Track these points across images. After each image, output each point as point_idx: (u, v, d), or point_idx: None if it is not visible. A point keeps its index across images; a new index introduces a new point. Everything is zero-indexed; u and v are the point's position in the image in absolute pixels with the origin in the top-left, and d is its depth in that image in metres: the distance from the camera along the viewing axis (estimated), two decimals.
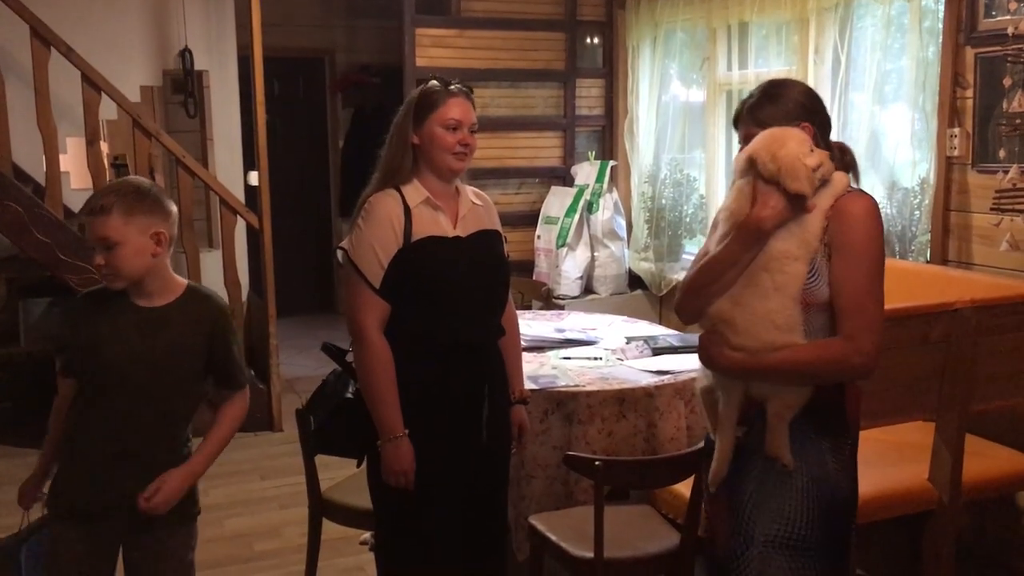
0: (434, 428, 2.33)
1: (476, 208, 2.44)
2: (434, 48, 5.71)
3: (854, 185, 2.02)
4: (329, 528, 3.05)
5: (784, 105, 2.03)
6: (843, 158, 2.03)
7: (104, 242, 2.12)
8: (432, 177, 2.35)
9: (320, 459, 3.05)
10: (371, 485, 2.44)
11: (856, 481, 2.05)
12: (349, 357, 2.45)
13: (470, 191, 2.47)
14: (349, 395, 2.45)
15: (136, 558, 2.27)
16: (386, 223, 2.28)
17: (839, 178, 1.95)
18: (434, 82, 2.35)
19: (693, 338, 3.22)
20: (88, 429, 2.21)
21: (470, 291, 2.34)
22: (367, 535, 3.54)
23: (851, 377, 1.94)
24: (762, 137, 1.97)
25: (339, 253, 2.36)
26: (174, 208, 2.23)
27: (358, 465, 2.48)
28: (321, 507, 3.03)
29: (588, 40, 6.14)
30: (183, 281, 2.28)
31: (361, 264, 2.28)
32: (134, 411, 2.18)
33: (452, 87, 2.34)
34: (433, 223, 2.32)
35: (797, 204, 1.90)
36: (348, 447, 2.47)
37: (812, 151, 1.93)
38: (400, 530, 2.39)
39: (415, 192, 2.32)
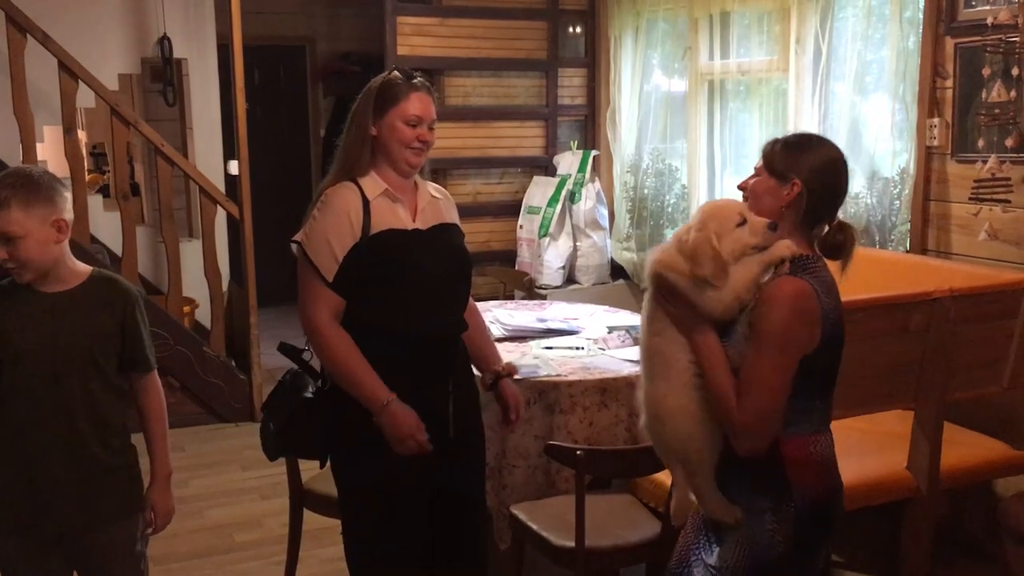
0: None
1: (435, 201, 2.41)
2: (415, 36, 5.68)
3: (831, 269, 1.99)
4: (310, 518, 3.05)
5: (793, 159, 1.96)
6: (833, 238, 1.99)
7: (5, 236, 2.09)
8: (389, 170, 2.32)
9: None
10: (338, 487, 2.39)
11: (802, 547, 1.95)
12: (306, 356, 2.41)
13: (429, 185, 2.45)
14: (308, 395, 2.39)
15: (82, 558, 2.26)
16: (343, 215, 2.24)
17: (783, 254, 1.92)
18: (396, 73, 2.31)
19: None
20: (7, 427, 2.16)
21: (430, 285, 2.30)
22: None
23: (731, 435, 1.93)
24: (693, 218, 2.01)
25: (293, 245, 2.32)
26: (69, 192, 2.21)
27: (321, 466, 2.43)
28: (302, 497, 3.02)
29: (570, 29, 6.13)
30: (86, 267, 2.26)
31: (315, 257, 2.25)
32: (51, 398, 2.15)
33: (415, 80, 2.30)
34: (392, 215, 2.29)
35: (702, 286, 1.90)
36: (310, 449, 2.41)
37: (743, 224, 1.91)
38: (369, 533, 2.34)
39: (373, 184, 2.29)
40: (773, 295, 1.88)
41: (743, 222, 1.92)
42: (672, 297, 1.94)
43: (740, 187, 2.04)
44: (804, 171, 1.95)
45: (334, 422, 2.32)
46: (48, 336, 2.15)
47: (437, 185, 2.51)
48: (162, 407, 2.35)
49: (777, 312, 1.86)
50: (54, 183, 2.17)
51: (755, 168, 2.03)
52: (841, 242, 2.00)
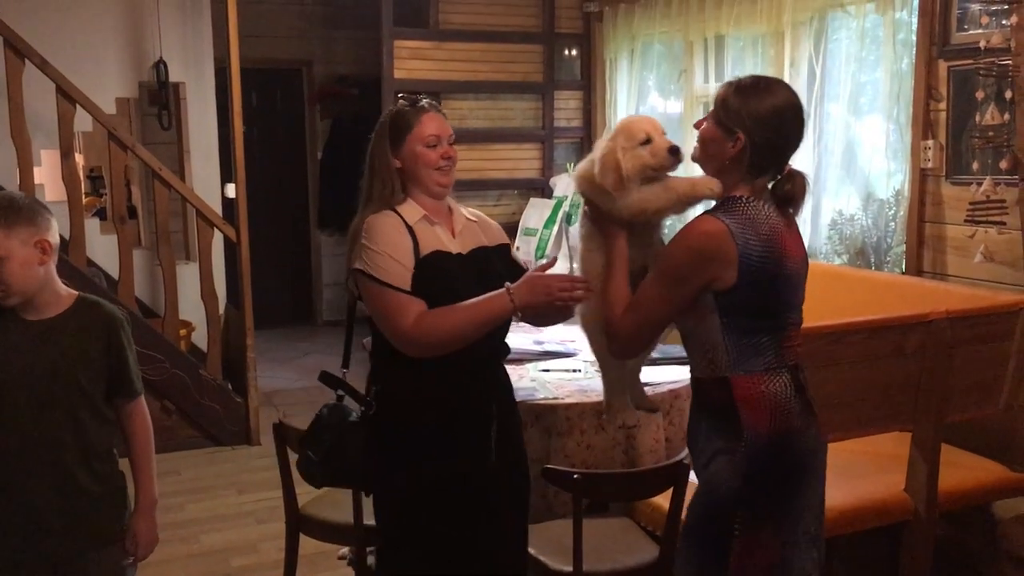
0: (442, 448, 2.26)
1: (471, 224, 2.39)
2: (412, 60, 5.71)
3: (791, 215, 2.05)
4: (307, 543, 3.03)
5: (739, 109, 1.99)
6: (781, 188, 2.01)
7: None
8: (423, 196, 2.30)
9: (297, 472, 3.03)
10: (379, 514, 2.35)
11: (754, 484, 2.00)
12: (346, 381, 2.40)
13: (464, 208, 2.43)
14: (353, 419, 2.35)
15: None
16: (395, 234, 2.21)
17: (702, 195, 2.03)
18: (402, 102, 2.32)
19: (671, 349, 3.23)
20: None
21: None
22: (345, 550, 3.51)
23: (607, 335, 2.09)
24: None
25: (352, 279, 2.25)
26: (52, 216, 2.20)
27: (366, 494, 2.39)
28: (298, 522, 3.01)
29: (566, 52, 6.16)
30: (72, 292, 2.25)
31: (386, 276, 2.18)
32: (36, 427, 2.13)
33: (422, 103, 2.31)
34: (435, 239, 2.26)
35: (607, 197, 2.06)
36: (356, 477, 2.38)
37: (647, 143, 2.03)
38: (411, 558, 2.31)
39: (411, 210, 2.27)
40: (682, 231, 1.98)
41: (647, 141, 2.04)
42: (589, 205, 2.11)
43: (695, 126, 2.09)
44: (749, 123, 1.97)
45: (380, 448, 2.29)
46: (32, 366, 2.13)
47: (473, 209, 2.49)
48: (148, 434, 2.32)
49: (675, 247, 1.98)
50: (35, 205, 2.17)
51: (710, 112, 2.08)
52: (790, 191, 2.01)
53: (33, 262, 2.13)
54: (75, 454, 2.18)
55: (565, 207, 5.68)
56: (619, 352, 2.13)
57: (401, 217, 2.24)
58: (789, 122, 2.00)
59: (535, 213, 5.82)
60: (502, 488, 2.36)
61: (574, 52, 6.16)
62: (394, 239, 2.20)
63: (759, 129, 1.97)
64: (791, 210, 2.03)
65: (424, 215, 2.27)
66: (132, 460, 2.30)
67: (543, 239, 5.64)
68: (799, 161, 4.62)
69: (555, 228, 5.63)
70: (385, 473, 2.31)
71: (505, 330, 2.39)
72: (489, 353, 2.35)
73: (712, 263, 1.94)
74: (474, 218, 2.43)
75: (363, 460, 2.32)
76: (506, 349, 2.42)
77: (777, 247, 1.96)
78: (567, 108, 6.16)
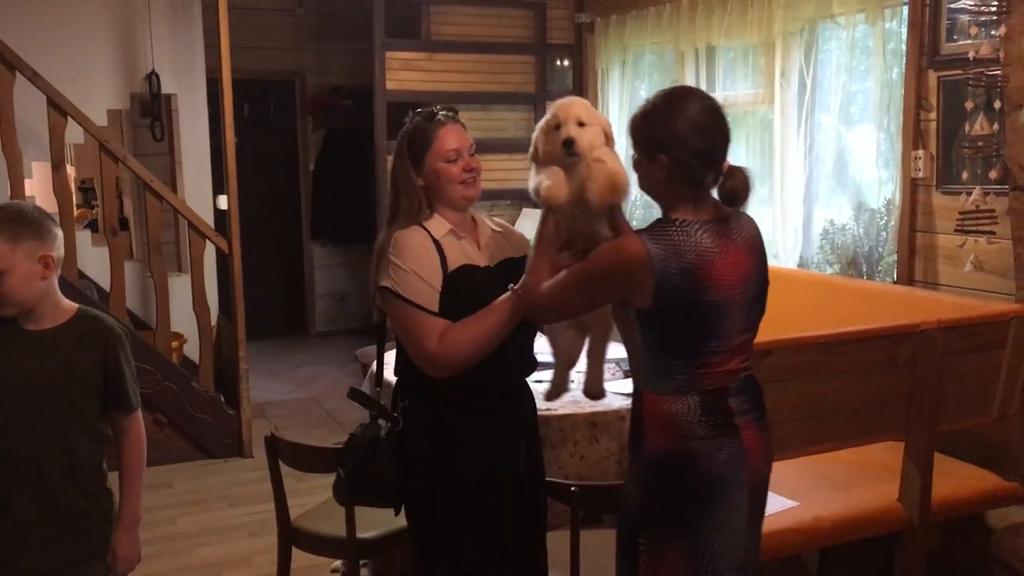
0: (471, 462, 2.24)
1: (496, 235, 2.36)
2: (404, 71, 5.72)
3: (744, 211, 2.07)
4: (299, 556, 3.01)
5: (651, 135, 2.00)
6: (723, 188, 1.99)
7: None
8: (447, 210, 2.27)
9: (290, 485, 3.03)
10: (411, 529, 2.33)
11: (652, 500, 2.02)
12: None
13: (489, 220, 2.40)
14: (382, 435, 2.32)
15: None
16: (423, 251, 2.18)
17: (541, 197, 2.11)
18: (418, 118, 2.27)
19: None
20: None
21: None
22: (337, 563, 3.50)
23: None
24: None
25: (379, 295, 2.21)
26: (59, 229, 2.20)
27: (396, 513, 2.36)
28: (291, 535, 2.99)
29: (558, 63, 6.17)
30: (73, 304, 2.24)
31: (413, 295, 2.15)
32: (24, 439, 2.13)
33: (439, 116, 2.26)
34: (463, 253, 2.24)
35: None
36: (383, 495, 2.34)
37: (557, 128, 2.10)
38: (442, 572, 2.29)
39: (438, 225, 2.23)
40: (612, 242, 2.02)
41: (557, 126, 2.10)
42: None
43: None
44: (667, 143, 1.96)
45: (409, 464, 2.26)
46: (25, 377, 2.12)
47: (496, 218, 2.46)
48: (140, 450, 2.30)
49: (601, 253, 2.00)
50: (44, 219, 2.16)
51: None
52: (731, 188, 1.99)
53: (35, 276, 2.12)
54: (61, 468, 2.16)
55: None
56: (532, 317, 2.16)
57: (428, 232, 2.21)
58: (708, 128, 1.97)
59: (528, 224, 5.82)
60: (529, 501, 2.36)
61: (566, 63, 6.18)
62: (422, 257, 2.17)
63: (679, 146, 1.95)
64: (737, 206, 2.01)
65: (450, 229, 2.24)
66: (121, 474, 2.29)
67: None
68: (790, 172, 4.65)
69: None
70: (415, 488, 2.28)
71: (529, 343, 2.36)
72: (516, 367, 2.33)
73: (624, 283, 1.96)
74: (499, 228, 2.40)
75: (391, 476, 2.29)
76: (533, 363, 2.39)
77: (700, 276, 1.93)
78: None
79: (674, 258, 1.91)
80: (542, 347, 2.39)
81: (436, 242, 2.20)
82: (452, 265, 2.19)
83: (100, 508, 2.25)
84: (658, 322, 1.97)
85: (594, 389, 2.35)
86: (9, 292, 2.10)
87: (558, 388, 2.40)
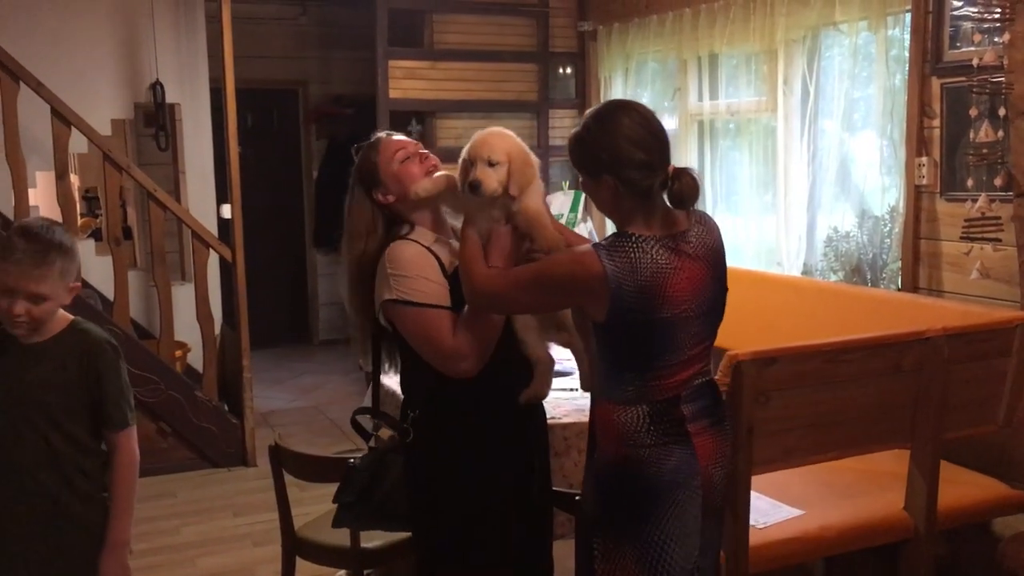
0: (483, 470, 2.22)
1: None
2: (407, 80, 5.73)
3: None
4: (303, 566, 3.01)
5: (587, 159, 2.03)
6: (671, 191, 1.99)
7: (35, 296, 2.06)
8: (425, 215, 2.26)
9: (293, 494, 3.02)
10: (419, 538, 2.31)
11: (602, 505, 2.05)
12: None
13: (456, 222, 2.38)
14: (386, 457, 2.30)
15: None
16: (422, 257, 2.17)
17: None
18: (354, 151, 2.30)
19: None
20: None
21: (507, 331, 2.23)
22: (341, 573, 3.49)
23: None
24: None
25: (383, 310, 2.18)
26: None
27: (407, 530, 2.35)
28: (295, 545, 2.98)
29: (560, 71, 6.18)
30: (68, 316, 2.22)
31: (424, 297, 2.12)
32: (10, 453, 2.11)
33: (375, 138, 2.30)
34: (454, 255, 2.21)
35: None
36: (397, 512, 2.29)
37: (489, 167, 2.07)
38: None
39: (424, 235, 2.23)
40: (572, 251, 2.02)
41: (470, 164, 2.09)
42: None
43: None
44: (606, 162, 1.97)
45: (419, 475, 2.25)
46: (10, 390, 2.11)
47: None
48: (130, 470, 2.23)
49: (559, 260, 2.01)
50: (75, 245, 2.20)
51: None
52: (679, 190, 1.99)
53: (63, 302, 2.15)
54: (53, 482, 2.14)
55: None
56: (467, 296, 2.09)
57: (418, 243, 2.20)
58: (643, 139, 1.97)
59: None
60: (538, 510, 2.36)
61: (568, 71, 6.19)
62: (421, 261, 2.16)
63: (620, 163, 1.96)
64: (686, 208, 2.02)
65: (436, 237, 2.24)
66: (111, 493, 2.22)
67: None
68: (793, 179, 4.64)
69: None
70: (423, 497, 2.26)
71: None
72: (525, 372, 2.30)
73: (578, 295, 1.99)
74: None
75: (402, 492, 2.27)
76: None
77: (655, 295, 1.93)
78: (562, 127, 6.16)
79: (630, 276, 1.92)
80: (559, 353, 2.38)
81: (428, 249, 2.20)
82: (450, 267, 2.19)
83: (89, 528, 2.19)
84: (611, 336, 1.99)
85: (588, 383, 2.31)
86: (42, 319, 2.10)
87: (587, 379, 2.32)
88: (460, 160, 2.12)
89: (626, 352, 2.00)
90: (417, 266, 2.16)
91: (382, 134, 2.31)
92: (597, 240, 2.13)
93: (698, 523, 2.03)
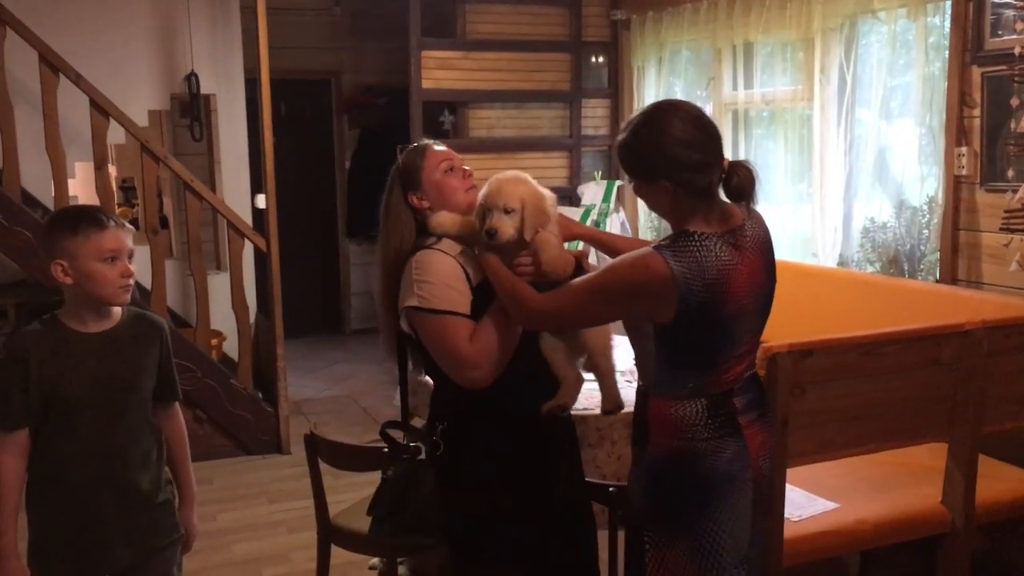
0: (516, 477, 2.22)
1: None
2: (439, 70, 5.73)
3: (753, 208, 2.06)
4: (338, 553, 3.04)
5: (641, 163, 2.00)
6: (728, 186, 1.97)
7: (127, 252, 2.19)
8: None
9: (327, 482, 3.05)
10: (456, 548, 2.29)
11: (655, 500, 2.04)
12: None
13: None
14: (417, 470, 2.27)
15: None
16: (448, 265, 2.17)
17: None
18: (399, 151, 2.32)
19: None
20: (52, 468, 2.17)
21: (529, 339, 2.22)
22: (375, 560, 3.52)
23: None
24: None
25: (405, 316, 2.18)
26: None
27: (439, 539, 2.33)
28: (330, 533, 3.01)
29: (593, 60, 6.16)
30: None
31: (446, 304, 2.12)
32: (100, 438, 2.17)
33: (421, 144, 2.30)
34: (480, 266, 2.20)
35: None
36: (430, 521, 2.26)
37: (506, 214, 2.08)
38: None
39: (450, 245, 2.22)
40: (633, 257, 1.96)
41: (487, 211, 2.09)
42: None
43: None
44: (661, 167, 1.94)
45: (452, 487, 2.24)
46: (97, 378, 2.17)
47: None
48: (185, 433, 2.45)
49: (619, 269, 1.97)
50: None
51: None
52: (738, 184, 1.97)
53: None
54: (136, 463, 2.23)
55: (593, 215, 5.67)
56: (517, 317, 2.08)
57: (445, 252, 2.19)
58: (697, 139, 1.94)
59: None
60: (574, 508, 2.35)
61: (601, 60, 6.16)
62: (448, 269, 2.16)
63: (674, 166, 1.93)
64: (746, 200, 1.99)
65: (463, 249, 2.23)
66: (173, 461, 2.40)
67: (571, 247, 5.62)
68: (830, 168, 4.59)
69: None
70: (460, 510, 2.26)
71: None
72: (552, 376, 2.28)
73: (646, 300, 1.94)
74: None
75: (435, 502, 2.26)
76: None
77: (721, 291, 1.92)
78: (595, 116, 6.15)
79: (697, 275, 1.90)
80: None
81: (455, 259, 2.19)
82: (476, 278, 2.18)
83: (166, 499, 2.34)
84: (676, 337, 1.96)
85: (608, 404, 2.29)
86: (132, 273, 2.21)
87: (609, 400, 2.30)
88: (477, 205, 2.14)
89: (690, 350, 1.98)
90: (443, 273, 2.16)
91: (428, 141, 2.32)
92: (629, 233, 2.12)
93: (749, 515, 2.04)
